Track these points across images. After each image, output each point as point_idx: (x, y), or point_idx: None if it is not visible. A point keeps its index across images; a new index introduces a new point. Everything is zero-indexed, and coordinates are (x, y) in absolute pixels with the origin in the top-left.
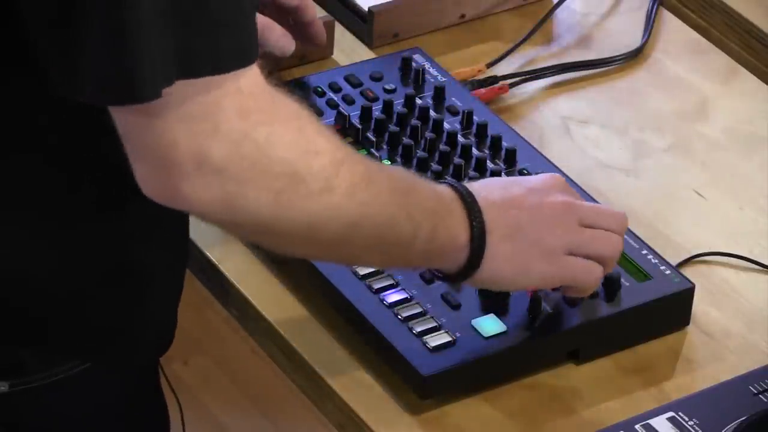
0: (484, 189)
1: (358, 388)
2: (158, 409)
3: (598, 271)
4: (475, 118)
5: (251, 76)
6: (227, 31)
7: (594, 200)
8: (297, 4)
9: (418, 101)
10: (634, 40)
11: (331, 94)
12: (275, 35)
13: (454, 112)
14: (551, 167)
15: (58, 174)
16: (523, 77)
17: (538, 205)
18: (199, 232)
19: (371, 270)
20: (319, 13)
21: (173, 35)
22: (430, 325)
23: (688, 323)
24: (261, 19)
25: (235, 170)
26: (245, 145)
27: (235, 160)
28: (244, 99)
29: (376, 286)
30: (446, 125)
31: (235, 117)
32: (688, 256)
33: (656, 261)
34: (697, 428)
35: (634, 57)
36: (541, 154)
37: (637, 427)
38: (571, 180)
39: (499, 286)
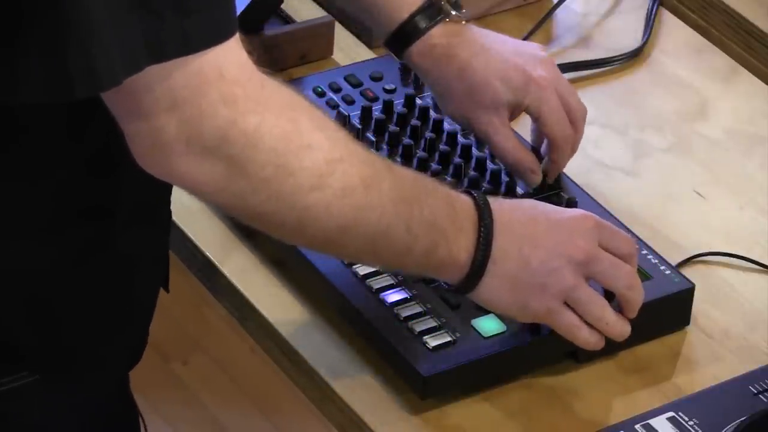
0: (508, 212)
1: (358, 388)
2: (127, 417)
3: (583, 335)
4: None
5: (235, 63)
6: (194, 10)
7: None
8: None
9: (418, 101)
10: (634, 40)
11: (331, 94)
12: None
13: None
14: None
15: (23, 188)
16: None
17: (555, 248)
18: (199, 232)
19: (371, 270)
20: (319, 13)
21: (136, 20)
22: (430, 325)
23: (688, 323)
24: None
25: (223, 155)
26: (233, 132)
27: (223, 146)
28: (229, 86)
29: (376, 286)
30: (446, 125)
31: (220, 104)
32: (688, 256)
33: (656, 261)
34: (697, 428)
35: (634, 57)
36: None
37: (637, 427)
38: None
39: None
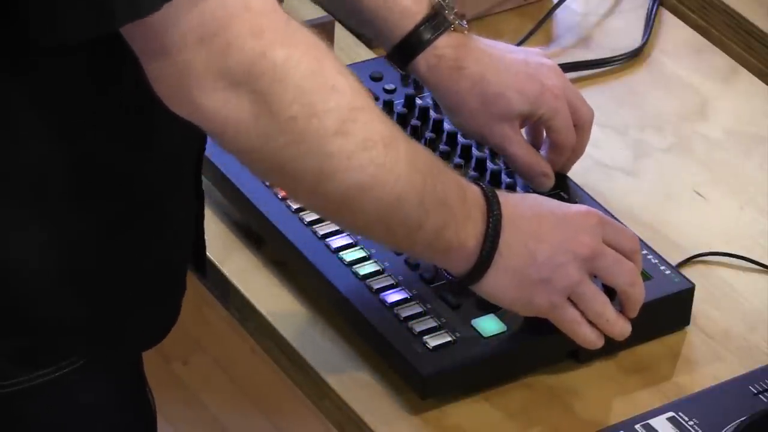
0: (513, 207)
1: (358, 387)
2: (143, 404)
3: (583, 331)
4: None
5: None
6: None
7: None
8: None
9: (418, 101)
10: (634, 40)
11: None
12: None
13: None
14: None
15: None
16: None
17: (560, 244)
18: None
19: (372, 270)
20: (319, 12)
21: None
22: (430, 325)
23: (688, 323)
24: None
25: (251, 89)
26: (262, 63)
27: (251, 79)
28: (255, 17)
29: (376, 286)
30: (446, 125)
31: (248, 35)
32: (688, 256)
33: (656, 261)
34: (697, 428)
35: (634, 57)
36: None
37: (637, 427)
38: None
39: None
